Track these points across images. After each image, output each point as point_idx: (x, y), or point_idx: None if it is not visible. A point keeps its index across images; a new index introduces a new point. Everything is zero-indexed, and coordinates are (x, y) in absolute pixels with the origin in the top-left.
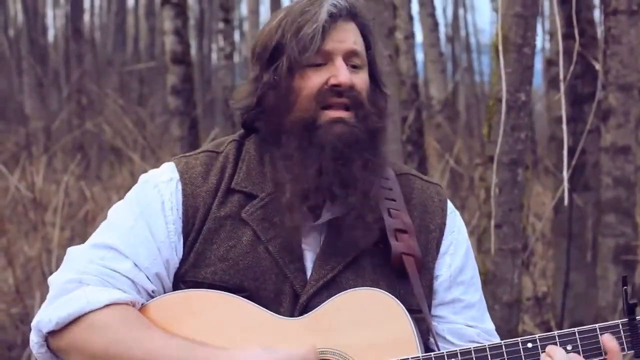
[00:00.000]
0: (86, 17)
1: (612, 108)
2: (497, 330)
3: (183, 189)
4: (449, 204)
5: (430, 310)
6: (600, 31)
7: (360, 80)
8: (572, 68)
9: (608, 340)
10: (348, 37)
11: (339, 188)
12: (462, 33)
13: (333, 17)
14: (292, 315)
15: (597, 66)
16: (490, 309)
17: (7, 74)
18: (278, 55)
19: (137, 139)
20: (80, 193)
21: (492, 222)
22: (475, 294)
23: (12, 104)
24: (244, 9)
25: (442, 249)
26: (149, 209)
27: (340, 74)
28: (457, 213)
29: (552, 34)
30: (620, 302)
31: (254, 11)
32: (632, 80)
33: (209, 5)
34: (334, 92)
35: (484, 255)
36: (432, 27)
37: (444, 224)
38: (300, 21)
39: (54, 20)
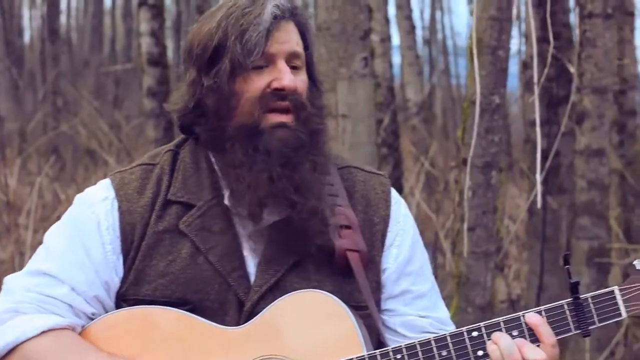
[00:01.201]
0: (63, 19)
1: (587, 111)
2: None
3: (119, 207)
4: (393, 194)
5: (379, 305)
6: (575, 34)
7: (301, 81)
8: (546, 71)
9: (529, 317)
10: (290, 38)
11: (294, 194)
12: (440, 36)
13: (276, 19)
14: (238, 324)
15: (572, 69)
16: (464, 312)
17: None
18: (219, 58)
19: (112, 141)
20: (54, 195)
21: (465, 225)
22: (426, 283)
23: None
24: None
25: (388, 241)
26: (85, 231)
27: (284, 77)
28: (402, 202)
29: (527, 37)
30: None
31: None
32: (606, 84)
33: (186, 7)
34: (277, 96)
35: (457, 257)
36: (408, 29)
37: (388, 215)
38: (244, 23)
39: (30, 21)
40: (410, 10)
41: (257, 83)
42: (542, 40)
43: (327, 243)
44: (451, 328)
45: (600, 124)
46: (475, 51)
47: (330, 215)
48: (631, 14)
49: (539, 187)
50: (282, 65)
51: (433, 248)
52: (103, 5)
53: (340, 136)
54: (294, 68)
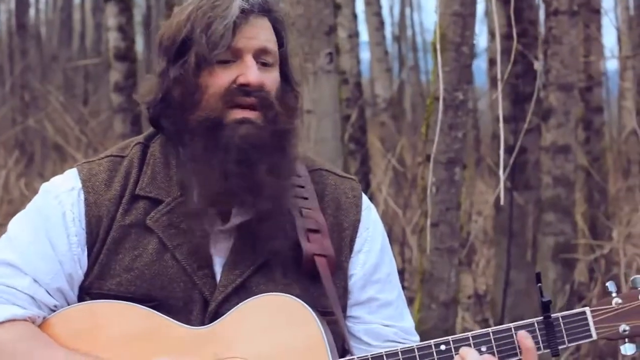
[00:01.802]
0: (31, 12)
1: (553, 108)
2: (433, 329)
3: (85, 198)
4: (364, 199)
5: (346, 310)
6: (541, 31)
7: (270, 79)
8: (509, 67)
9: (524, 338)
10: (259, 33)
11: (246, 194)
12: (409, 32)
13: (245, 13)
14: (202, 324)
15: (536, 65)
16: (427, 309)
17: None
18: (186, 50)
19: (79, 137)
20: (20, 191)
21: (428, 221)
22: (392, 292)
23: None
24: None
25: (356, 246)
26: (50, 222)
27: (250, 72)
28: (373, 208)
29: (493, 34)
30: (559, 300)
31: None
32: (572, 80)
33: (156, 1)
34: (242, 92)
35: (421, 254)
36: (377, 26)
37: (358, 220)
38: (211, 16)
39: None
40: (379, 7)
41: (223, 78)
42: (509, 37)
43: (293, 246)
44: (416, 338)
45: (566, 121)
46: (438, 47)
47: (298, 217)
48: (597, 11)
49: (502, 184)
50: (248, 60)
51: (401, 244)
52: None
53: (305, 132)
54: (264, 65)
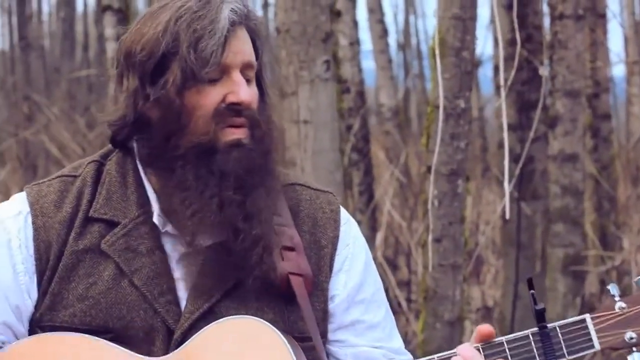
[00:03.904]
0: (33, 24)
1: (559, 115)
2: (438, 350)
3: (33, 222)
4: (343, 214)
5: (326, 335)
6: (546, 36)
7: (254, 95)
8: (513, 73)
9: (462, 350)
10: (244, 47)
11: (242, 222)
12: (414, 40)
13: (233, 25)
14: (166, 354)
15: (541, 71)
16: (431, 328)
17: None
18: (167, 67)
19: (75, 149)
20: None
21: (430, 237)
22: (379, 312)
23: None
24: None
25: (336, 265)
26: None
27: (240, 90)
28: (353, 223)
29: (497, 39)
30: (569, 313)
31: None
32: (579, 87)
33: None
34: (233, 111)
35: (424, 271)
36: (381, 33)
37: (337, 237)
38: (197, 29)
39: (0, 27)
40: (382, 14)
41: (211, 97)
42: (514, 42)
43: (266, 270)
44: (406, 358)
45: (573, 128)
46: (437, 52)
47: (274, 239)
48: (603, 16)
49: (507, 197)
50: (237, 77)
51: (407, 255)
52: (75, 10)
53: (302, 143)
54: (247, 80)
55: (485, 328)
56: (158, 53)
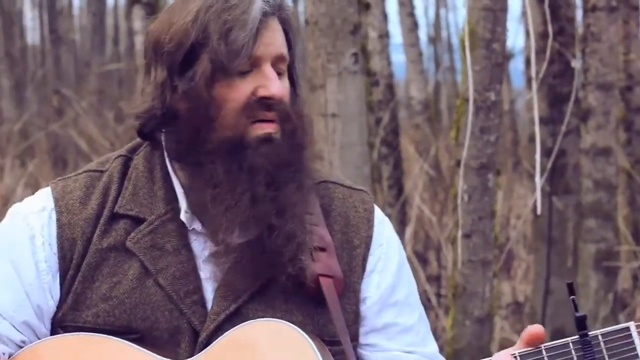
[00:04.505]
0: (64, 18)
1: (592, 108)
2: (467, 347)
3: (58, 219)
4: (377, 213)
5: (358, 338)
6: (579, 28)
7: (286, 89)
8: (544, 65)
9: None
10: (276, 39)
11: (275, 217)
12: (444, 33)
13: (265, 16)
14: (191, 356)
15: (573, 64)
16: (461, 325)
17: None
18: (196, 58)
19: (104, 143)
20: None
21: (460, 232)
22: (412, 315)
23: None
24: None
25: (369, 266)
26: (16, 247)
27: (272, 85)
28: (387, 222)
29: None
30: (602, 309)
31: None
32: (612, 80)
33: None
34: (263, 105)
35: (454, 266)
36: (411, 26)
37: (370, 237)
38: (228, 20)
39: (32, 21)
40: (412, 7)
41: (241, 90)
42: (546, 35)
43: (299, 268)
44: None
45: (606, 122)
46: (467, 44)
47: (307, 237)
48: (636, 8)
49: (538, 192)
50: (268, 70)
51: (437, 249)
52: (105, 4)
53: (330, 136)
54: (278, 73)
55: (537, 329)
56: (187, 44)
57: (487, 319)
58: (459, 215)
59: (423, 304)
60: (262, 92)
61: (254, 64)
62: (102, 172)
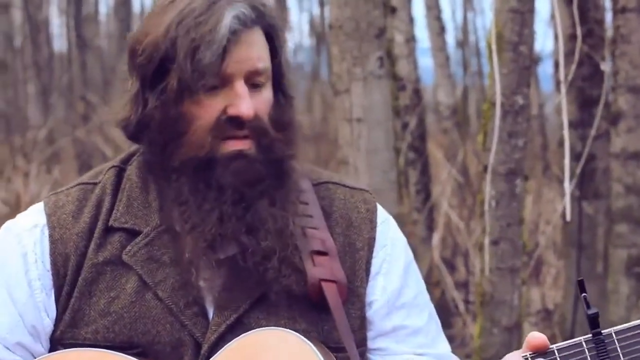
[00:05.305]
0: (90, 25)
1: (622, 111)
2: (496, 356)
3: (50, 235)
4: (380, 213)
5: (365, 343)
6: (608, 30)
7: (263, 101)
8: (573, 67)
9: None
10: (251, 53)
11: (246, 236)
12: (472, 37)
13: (235, 34)
14: None
15: (603, 66)
16: (488, 334)
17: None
18: (165, 72)
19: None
20: None
21: (487, 239)
22: (421, 316)
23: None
24: None
25: (374, 269)
26: (8, 266)
27: (242, 103)
28: (391, 222)
29: (556, 34)
30: (633, 316)
31: None
32: None
33: None
34: (235, 124)
35: (481, 274)
36: (439, 30)
37: (373, 238)
38: (196, 38)
39: (59, 28)
40: (439, 11)
41: (211, 108)
42: (574, 37)
43: (291, 281)
44: None
45: (636, 125)
46: (494, 47)
47: (301, 240)
48: None
49: (568, 197)
50: (240, 88)
51: (464, 255)
52: (132, 11)
53: (355, 142)
54: (255, 86)
55: (537, 339)
56: (157, 57)
57: (515, 328)
58: (486, 221)
59: (450, 310)
60: (231, 111)
61: (225, 81)
62: (94, 184)
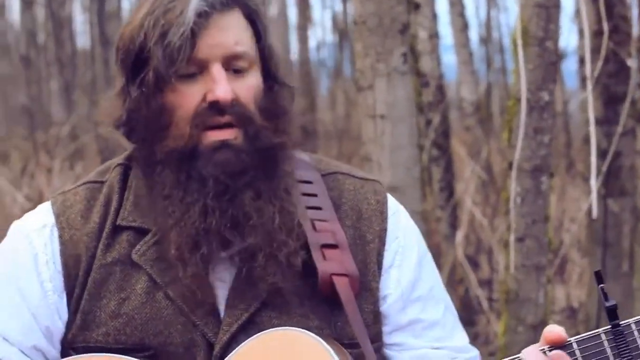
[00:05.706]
0: (113, 21)
1: None
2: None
3: (60, 235)
4: (390, 203)
5: (381, 338)
6: (634, 27)
7: (246, 87)
8: (599, 64)
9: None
10: (226, 36)
11: (230, 231)
12: (495, 34)
13: (202, 16)
14: None
15: (629, 63)
16: (513, 332)
17: (36, 79)
18: (143, 64)
19: None
20: None
21: (512, 236)
22: (437, 308)
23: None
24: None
25: (386, 262)
26: (19, 267)
27: (218, 87)
28: (403, 212)
29: (582, 30)
30: None
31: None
32: None
33: None
34: (215, 110)
35: (506, 271)
36: (462, 27)
37: (384, 230)
38: (165, 24)
39: (82, 25)
40: (463, 7)
41: (190, 97)
42: (600, 34)
43: (277, 280)
44: (472, 355)
45: None
46: (520, 42)
47: (310, 232)
48: None
49: (594, 195)
50: (216, 71)
51: (488, 253)
52: None
53: (379, 138)
54: (237, 72)
55: (553, 334)
56: (134, 50)
57: (540, 326)
58: (511, 218)
59: (474, 308)
60: (209, 97)
61: (201, 67)
62: (102, 182)
